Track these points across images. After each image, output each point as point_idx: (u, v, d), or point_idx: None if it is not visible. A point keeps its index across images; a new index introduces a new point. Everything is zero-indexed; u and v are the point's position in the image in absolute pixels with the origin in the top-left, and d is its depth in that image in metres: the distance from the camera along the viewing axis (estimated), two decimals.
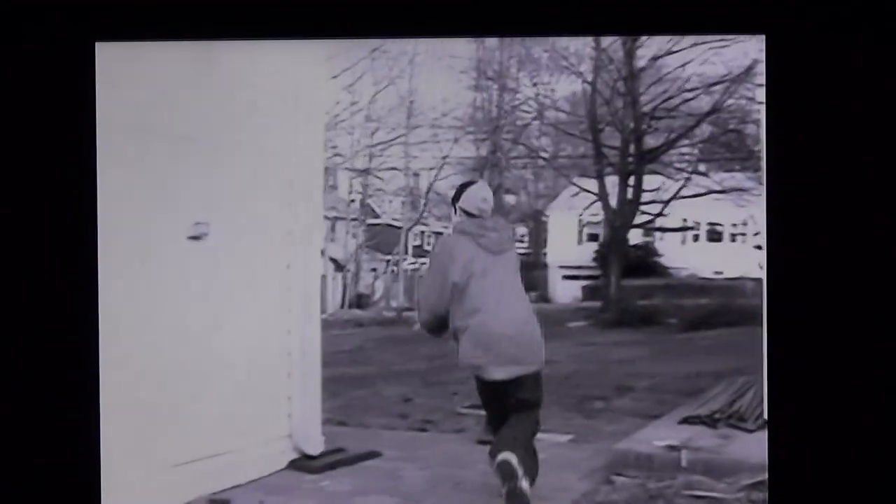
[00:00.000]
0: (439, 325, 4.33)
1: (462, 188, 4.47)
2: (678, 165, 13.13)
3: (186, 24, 2.72)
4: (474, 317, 4.16)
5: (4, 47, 2.70)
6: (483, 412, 5.16)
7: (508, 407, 4.20)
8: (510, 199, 13.82)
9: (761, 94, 2.79)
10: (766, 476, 2.66)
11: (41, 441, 2.70)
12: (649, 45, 12.29)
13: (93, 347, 2.72)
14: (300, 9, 2.70)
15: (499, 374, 4.15)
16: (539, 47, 13.02)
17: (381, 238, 11.79)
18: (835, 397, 2.65)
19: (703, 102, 12.63)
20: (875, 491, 2.65)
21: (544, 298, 12.82)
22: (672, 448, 4.98)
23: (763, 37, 2.73)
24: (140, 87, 4.13)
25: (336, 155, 11.70)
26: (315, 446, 5.33)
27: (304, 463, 5.22)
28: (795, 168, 2.71)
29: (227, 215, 4.90)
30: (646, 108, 12.83)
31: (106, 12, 2.70)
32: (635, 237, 13.52)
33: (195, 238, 4.73)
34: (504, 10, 2.73)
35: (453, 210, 4.43)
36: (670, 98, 12.72)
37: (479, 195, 4.41)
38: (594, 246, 13.58)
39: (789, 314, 2.66)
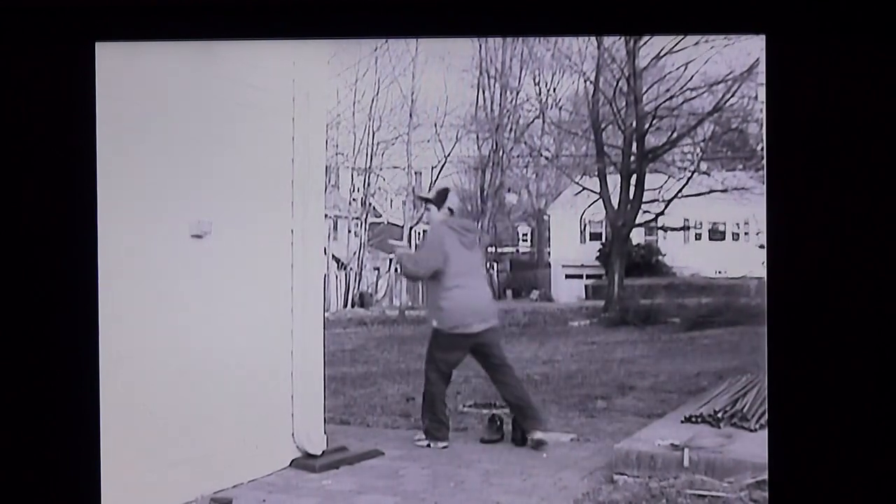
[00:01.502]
0: (422, 278, 6.05)
1: (445, 192, 6.11)
2: (680, 164, 13.11)
3: (187, 24, 2.71)
4: (456, 290, 5.78)
5: (4, 47, 2.70)
6: (485, 411, 5.53)
7: (484, 358, 5.87)
8: (512, 197, 13.79)
9: (763, 93, 2.79)
10: (767, 475, 2.66)
11: (40, 440, 2.70)
12: (652, 44, 12.28)
13: (93, 346, 2.71)
14: (300, 9, 2.69)
15: (479, 327, 5.81)
16: (542, 46, 13.01)
17: (384, 236, 11.78)
18: (835, 397, 2.65)
19: (706, 101, 12.63)
20: (876, 491, 2.65)
21: (547, 297, 12.80)
22: (674, 447, 4.97)
23: (763, 37, 2.72)
24: (140, 87, 4.13)
25: (338, 154, 11.70)
26: (317, 445, 5.33)
27: (306, 462, 5.22)
28: (796, 168, 2.70)
29: (230, 214, 4.90)
30: (648, 107, 12.82)
31: (106, 12, 2.69)
32: (638, 236, 13.50)
33: (197, 236, 4.73)
34: (503, 10, 2.72)
35: (437, 208, 6.03)
36: (673, 97, 12.70)
37: (457, 199, 6.20)
38: (596, 245, 13.57)
39: (790, 313, 2.66)
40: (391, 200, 12.24)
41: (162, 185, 4.47)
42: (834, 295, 2.67)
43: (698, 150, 13.22)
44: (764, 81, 2.76)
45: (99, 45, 2.75)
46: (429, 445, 5.68)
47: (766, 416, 2.71)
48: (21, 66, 2.73)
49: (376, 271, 11.91)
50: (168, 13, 2.73)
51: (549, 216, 14.24)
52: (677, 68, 12.65)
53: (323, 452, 5.32)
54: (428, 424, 5.79)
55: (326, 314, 5.93)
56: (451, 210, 5.99)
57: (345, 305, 11.69)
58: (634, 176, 12.68)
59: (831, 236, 2.69)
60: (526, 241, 13.65)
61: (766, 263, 2.74)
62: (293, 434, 5.28)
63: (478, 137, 12.68)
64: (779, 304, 2.69)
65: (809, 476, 2.67)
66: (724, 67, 12.14)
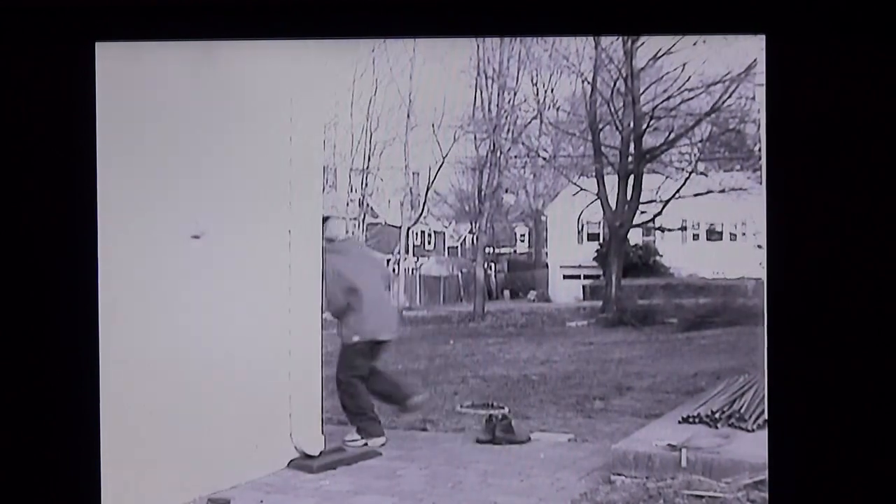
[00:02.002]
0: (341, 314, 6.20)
1: (324, 221, 6.12)
2: (678, 165, 13.12)
3: (187, 24, 2.71)
4: (366, 303, 6.15)
5: (4, 47, 2.70)
6: (483, 412, 5.59)
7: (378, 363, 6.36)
8: (509, 198, 13.79)
9: (761, 94, 2.78)
10: (766, 475, 2.66)
11: (40, 441, 2.70)
12: (649, 45, 12.29)
13: (92, 347, 2.71)
14: (300, 9, 2.69)
15: (387, 336, 6.35)
16: (539, 46, 13.01)
17: (381, 237, 11.77)
18: (835, 397, 2.65)
19: (703, 102, 12.63)
20: (876, 491, 2.65)
21: (544, 298, 12.80)
22: (672, 447, 4.97)
23: (762, 37, 2.72)
24: (140, 87, 4.13)
25: (335, 154, 11.70)
26: (315, 446, 5.33)
27: (303, 462, 5.22)
28: (795, 168, 2.70)
29: (228, 214, 4.89)
30: (646, 108, 12.82)
31: (106, 12, 2.69)
32: (635, 237, 13.51)
33: (196, 237, 4.73)
34: (502, 10, 2.72)
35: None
36: (670, 97, 12.70)
37: (335, 226, 6.36)
38: (594, 245, 13.57)
39: (790, 313, 2.66)
40: (389, 201, 12.24)
41: (161, 186, 4.46)
42: (833, 295, 2.67)
43: (696, 150, 13.23)
44: (763, 82, 2.76)
45: (99, 45, 2.75)
46: (366, 444, 5.76)
47: (764, 416, 2.71)
48: (21, 66, 2.73)
49: None
50: (168, 13, 2.73)
51: (546, 216, 14.24)
52: (675, 69, 12.65)
53: (321, 453, 5.32)
54: (360, 423, 5.93)
55: (324, 315, 5.94)
56: (329, 240, 6.14)
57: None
58: (632, 176, 12.68)
59: (831, 236, 2.70)
60: (523, 241, 13.65)
61: (765, 263, 2.74)
62: (291, 434, 5.28)
63: (475, 138, 12.67)
64: (778, 304, 2.70)
65: (809, 476, 2.67)
66: (722, 68, 12.14)
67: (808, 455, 2.64)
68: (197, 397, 4.61)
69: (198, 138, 4.69)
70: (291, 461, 5.22)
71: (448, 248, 12.88)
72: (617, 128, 12.86)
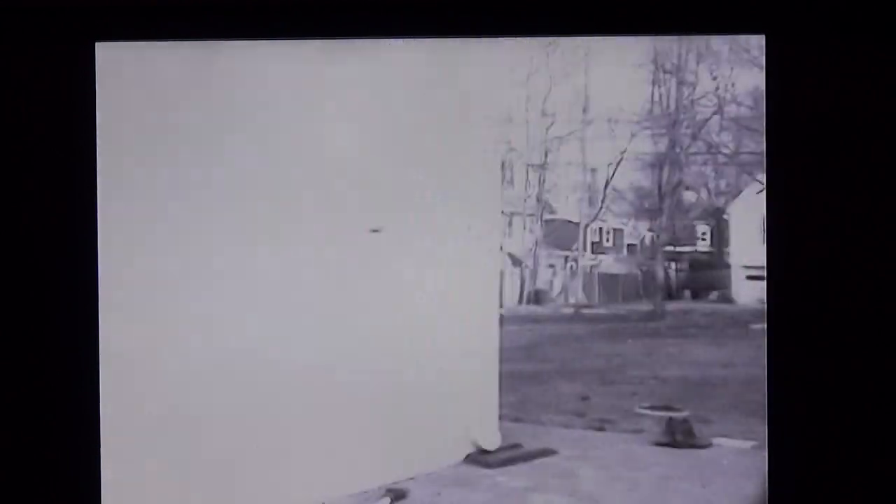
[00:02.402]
0: None
1: None
2: None
3: (187, 24, 2.70)
4: None
5: (4, 47, 2.71)
6: (662, 413, 5.37)
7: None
8: (690, 195, 13.47)
9: None
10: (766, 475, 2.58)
11: (40, 441, 2.71)
12: None
13: (92, 347, 2.69)
14: (301, 9, 2.66)
15: None
16: (719, 39, 12.69)
17: (559, 234, 11.72)
18: (836, 397, 2.53)
19: None
20: (876, 491, 2.51)
21: (726, 299, 12.44)
22: None
23: (763, 37, 2.63)
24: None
25: (511, 150, 11.72)
26: (492, 441, 5.34)
27: (480, 457, 5.24)
28: (796, 168, 2.60)
29: (403, 213, 4.96)
30: None
31: (106, 12, 2.69)
32: None
33: (375, 231, 4.82)
34: (503, 10, 2.66)
35: None
36: None
37: None
38: None
39: (790, 313, 2.56)
40: (567, 197, 12.17)
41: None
42: (834, 295, 2.61)
43: None
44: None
45: (99, 45, 2.76)
46: None
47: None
48: (21, 66, 2.76)
49: (552, 268, 11.89)
50: (169, 13, 2.74)
51: (728, 215, 13.86)
52: None
53: (497, 449, 5.33)
54: None
55: (502, 311, 5.94)
56: None
57: (520, 302, 11.71)
58: None
59: (831, 236, 2.61)
60: (705, 240, 13.31)
61: (765, 263, 2.67)
62: (468, 429, 5.31)
63: (654, 133, 12.45)
64: (779, 304, 2.63)
65: (809, 476, 2.59)
66: None
67: (808, 455, 2.56)
68: (388, 390, 4.69)
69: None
70: (468, 455, 5.25)
71: (627, 245, 12.69)
72: None
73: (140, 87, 4.26)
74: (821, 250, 2.56)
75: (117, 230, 3.22)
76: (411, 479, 4.85)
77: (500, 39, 2.94)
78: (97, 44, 2.74)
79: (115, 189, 2.81)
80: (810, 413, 2.53)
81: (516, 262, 9.19)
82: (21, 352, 2.70)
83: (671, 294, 8.98)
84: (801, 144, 2.61)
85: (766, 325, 2.65)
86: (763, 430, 6.45)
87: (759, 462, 5.70)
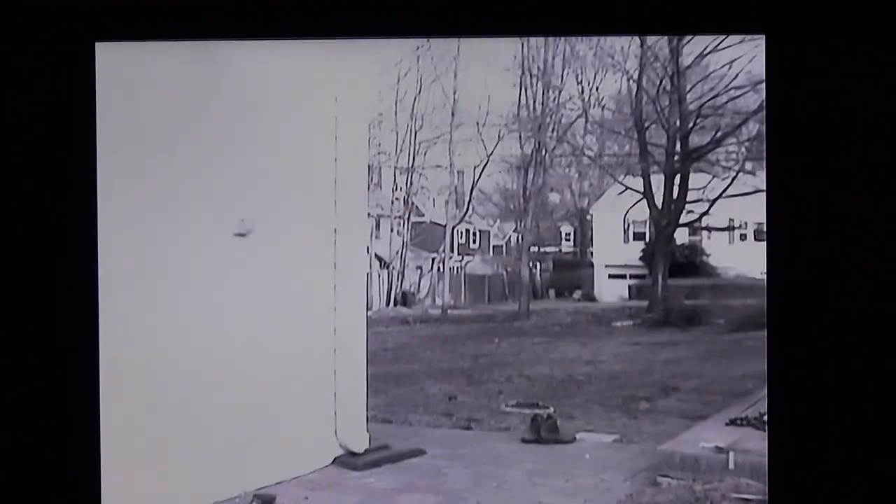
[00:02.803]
0: None
1: None
2: (725, 164, 12.97)
3: (187, 24, 2.70)
4: None
5: (4, 47, 2.70)
6: (528, 411, 5.48)
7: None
8: (554, 197, 13.74)
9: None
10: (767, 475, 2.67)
11: (40, 441, 2.69)
12: (695, 43, 12.17)
13: (92, 347, 2.69)
14: (301, 9, 2.67)
15: None
16: (584, 44, 12.94)
17: (426, 236, 11.78)
18: (836, 397, 2.64)
19: (751, 100, 12.47)
20: (876, 491, 2.63)
21: (590, 297, 12.73)
22: (719, 450, 4.92)
23: (763, 37, 2.72)
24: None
25: (380, 153, 11.72)
26: (360, 443, 5.34)
27: (348, 460, 5.23)
28: (796, 168, 2.70)
29: (272, 213, 4.91)
30: (692, 106, 12.69)
31: (106, 12, 2.68)
32: (682, 236, 13.39)
33: (241, 235, 4.76)
34: (502, 10, 2.71)
35: None
36: (717, 95, 12.56)
37: None
38: (640, 245, 13.46)
39: (790, 313, 2.65)
40: (433, 199, 12.24)
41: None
42: (834, 295, 2.68)
43: (743, 149, 13.08)
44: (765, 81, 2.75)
45: (99, 45, 2.74)
46: None
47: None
48: (21, 66, 2.73)
49: (419, 270, 11.93)
50: (168, 13, 2.73)
51: (592, 216, 14.16)
52: (722, 66, 12.51)
53: (365, 450, 5.33)
54: None
55: (369, 313, 5.94)
56: None
57: (387, 304, 11.71)
58: (678, 175, 12.56)
59: (831, 236, 2.69)
60: (569, 240, 13.59)
61: (766, 263, 2.74)
62: (336, 432, 5.29)
63: (520, 136, 12.63)
64: (779, 304, 2.70)
65: (809, 476, 2.67)
66: None
67: (808, 455, 2.64)
68: (241, 394, 4.63)
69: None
70: (336, 458, 5.24)
71: (493, 246, 12.85)
72: (663, 126, 12.75)
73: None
74: (820, 249, 2.60)
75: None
76: (279, 483, 4.80)
77: (372, 42, 2.95)
78: (97, 44, 2.72)
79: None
80: (810, 413, 2.58)
81: (384, 264, 9.21)
82: (21, 352, 2.66)
83: (536, 294, 9.11)
84: (800, 144, 2.64)
85: (766, 326, 2.69)
86: (624, 423, 6.65)
87: (621, 455, 5.88)
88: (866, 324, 2.61)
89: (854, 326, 2.61)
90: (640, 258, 13.34)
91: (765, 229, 2.66)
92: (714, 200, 12.73)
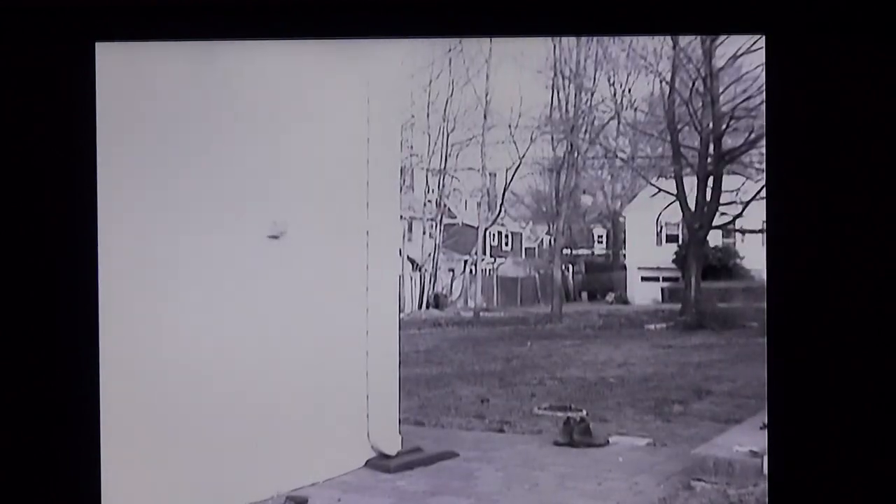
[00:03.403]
0: None
1: None
2: (758, 166, 12.86)
3: (187, 24, 2.71)
4: None
5: (4, 47, 2.71)
6: (560, 414, 5.47)
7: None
8: (587, 199, 13.69)
9: None
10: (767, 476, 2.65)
11: (40, 441, 2.70)
12: (728, 44, 12.09)
13: (92, 347, 2.70)
14: (301, 9, 2.68)
15: None
16: (616, 46, 12.89)
17: (459, 238, 11.79)
18: (835, 397, 2.62)
19: None
20: (876, 491, 2.61)
21: (622, 300, 12.67)
22: (754, 454, 4.88)
23: (763, 37, 2.70)
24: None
25: (412, 155, 11.73)
26: (392, 446, 5.35)
27: (380, 462, 5.25)
28: (796, 168, 2.68)
29: (307, 214, 4.94)
30: (725, 108, 12.61)
31: (106, 12, 2.69)
32: (715, 239, 13.30)
33: (274, 237, 4.78)
34: (502, 9, 2.71)
35: None
36: (750, 97, 12.47)
37: None
38: (673, 247, 13.39)
39: (790, 313, 2.63)
40: (465, 202, 12.23)
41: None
42: (834, 295, 2.66)
43: None
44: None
45: (99, 45, 2.76)
46: None
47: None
48: (21, 66, 2.75)
49: (451, 273, 11.93)
50: (168, 13, 2.74)
51: (624, 218, 14.10)
52: (755, 68, 12.42)
53: (398, 453, 5.34)
54: None
55: (401, 315, 5.95)
56: None
57: (419, 307, 11.73)
58: (711, 177, 12.48)
59: (831, 236, 2.68)
60: (601, 243, 13.54)
61: (766, 263, 2.73)
62: (368, 434, 5.31)
63: (552, 138, 12.60)
64: (779, 304, 2.69)
65: (809, 476, 2.65)
66: None
67: (808, 455, 2.63)
68: (275, 396, 4.66)
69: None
70: (368, 461, 5.25)
71: (525, 249, 12.83)
72: (696, 128, 12.67)
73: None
74: (820, 249, 2.59)
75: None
76: (312, 485, 4.82)
77: (403, 43, 2.96)
78: (97, 44, 2.74)
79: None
80: (810, 413, 2.57)
81: (416, 266, 9.22)
82: (21, 352, 2.69)
83: (569, 296, 9.06)
84: (800, 144, 2.64)
85: (766, 326, 2.68)
86: (657, 426, 6.62)
87: (654, 458, 5.85)
88: (866, 324, 2.60)
89: (854, 326, 2.60)
90: (673, 260, 13.27)
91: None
92: (748, 203, 12.63)
